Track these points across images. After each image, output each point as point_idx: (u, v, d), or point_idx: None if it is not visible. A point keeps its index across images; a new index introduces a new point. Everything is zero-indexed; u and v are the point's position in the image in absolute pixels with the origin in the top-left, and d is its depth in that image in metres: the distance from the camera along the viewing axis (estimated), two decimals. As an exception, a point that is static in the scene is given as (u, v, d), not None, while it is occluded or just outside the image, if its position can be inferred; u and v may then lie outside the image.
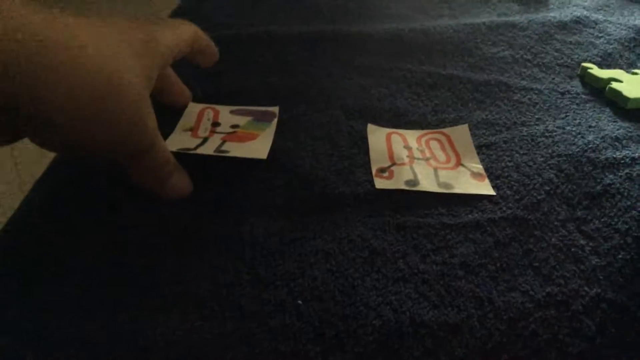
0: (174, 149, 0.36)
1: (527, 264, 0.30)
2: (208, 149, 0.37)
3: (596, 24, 0.60)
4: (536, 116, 0.43)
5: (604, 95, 0.46)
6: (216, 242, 0.31)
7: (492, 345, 0.26)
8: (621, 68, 0.50)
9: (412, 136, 0.40)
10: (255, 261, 0.30)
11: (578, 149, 0.39)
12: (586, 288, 0.29)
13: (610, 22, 0.60)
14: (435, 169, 0.37)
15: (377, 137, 0.40)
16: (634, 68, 0.51)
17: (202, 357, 0.25)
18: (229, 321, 0.26)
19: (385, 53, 0.52)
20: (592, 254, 0.31)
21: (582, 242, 0.31)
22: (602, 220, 0.33)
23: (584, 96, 0.46)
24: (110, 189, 0.34)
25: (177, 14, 0.62)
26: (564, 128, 0.41)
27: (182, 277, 0.29)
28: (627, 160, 0.38)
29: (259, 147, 0.37)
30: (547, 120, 0.43)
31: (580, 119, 0.43)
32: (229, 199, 0.34)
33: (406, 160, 0.37)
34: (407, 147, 0.39)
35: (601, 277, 0.29)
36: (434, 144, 0.40)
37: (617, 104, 0.45)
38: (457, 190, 0.35)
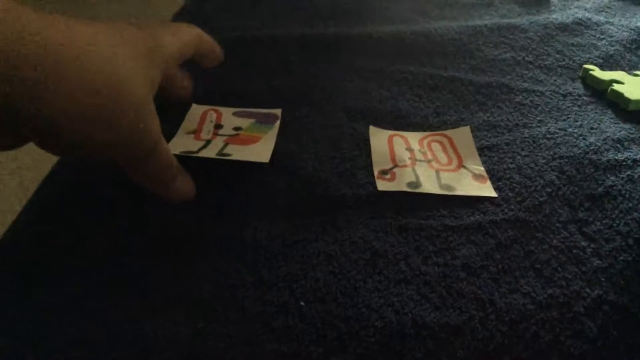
0: (176, 152, 0.36)
1: (529, 266, 0.30)
2: (210, 152, 0.37)
3: (598, 25, 0.60)
4: (538, 118, 0.43)
5: (606, 97, 0.46)
6: (219, 245, 0.31)
7: (493, 347, 0.26)
8: (623, 70, 0.50)
9: (414, 138, 0.41)
10: (258, 263, 0.30)
11: (580, 151, 0.39)
12: (588, 290, 0.29)
13: (612, 24, 0.60)
14: (437, 171, 0.37)
15: (379, 139, 0.40)
16: (636, 70, 0.51)
17: (204, 359, 0.25)
18: (231, 323, 0.26)
19: (386, 55, 0.52)
20: (593, 255, 0.31)
21: (584, 243, 0.32)
22: (604, 222, 0.33)
23: (585, 98, 0.46)
24: (112, 191, 0.34)
25: (179, 16, 0.62)
26: (565, 130, 0.42)
27: (184, 279, 0.29)
28: (629, 162, 0.38)
29: (261, 150, 0.38)
30: (548, 122, 0.43)
31: (581, 120, 0.43)
32: (232, 202, 0.34)
33: (408, 162, 0.38)
34: (409, 149, 0.39)
35: (603, 279, 0.29)
36: (436, 146, 0.40)
37: (619, 105, 0.45)
38: (459, 192, 0.35)
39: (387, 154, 0.38)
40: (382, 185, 0.35)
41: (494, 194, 0.35)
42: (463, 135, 0.41)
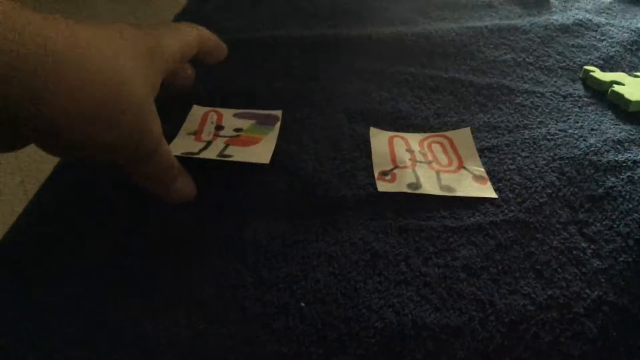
0: (177, 153, 0.36)
1: (529, 267, 0.30)
2: (211, 153, 0.37)
3: (598, 27, 0.60)
4: (538, 119, 0.43)
5: (606, 98, 0.46)
6: (219, 245, 0.31)
7: (493, 348, 0.26)
8: (623, 71, 0.51)
9: (414, 139, 0.41)
10: (258, 264, 0.30)
11: (580, 152, 0.39)
12: (588, 291, 0.29)
13: (613, 25, 0.60)
14: (438, 172, 0.37)
15: (380, 140, 0.40)
16: (636, 71, 0.51)
17: (204, 359, 0.25)
18: (231, 323, 0.26)
19: (387, 56, 0.52)
20: (593, 256, 0.31)
21: (584, 244, 0.32)
22: (604, 223, 0.33)
23: (586, 99, 0.46)
24: (113, 192, 0.34)
25: (180, 17, 0.63)
26: (566, 131, 0.42)
27: (185, 279, 0.29)
28: (629, 163, 0.38)
29: (261, 151, 0.38)
30: (549, 123, 0.43)
31: (582, 121, 0.43)
32: (232, 202, 0.34)
33: (408, 163, 0.38)
34: (410, 150, 0.39)
35: (603, 280, 0.29)
36: (436, 147, 0.40)
37: (619, 106, 0.45)
38: (459, 193, 0.35)
39: (387, 155, 0.38)
40: (383, 186, 0.35)
41: (494, 195, 0.35)
42: (463, 136, 0.41)
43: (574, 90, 0.48)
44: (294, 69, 0.50)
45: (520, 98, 0.46)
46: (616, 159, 0.38)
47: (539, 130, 0.42)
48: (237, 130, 0.40)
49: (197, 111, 0.43)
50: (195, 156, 0.37)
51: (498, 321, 0.27)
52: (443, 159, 0.39)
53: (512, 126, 0.42)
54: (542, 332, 0.26)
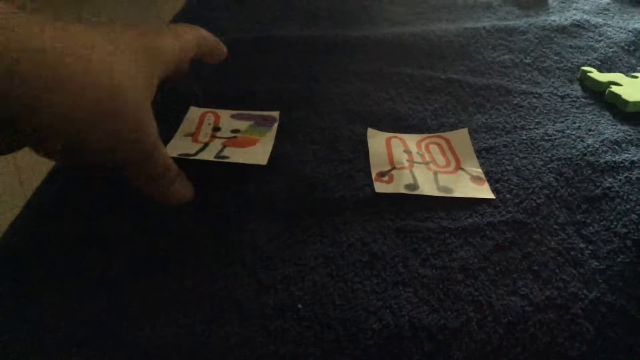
0: (174, 155, 0.36)
1: (527, 268, 0.30)
2: (208, 155, 0.37)
3: (596, 27, 0.60)
4: (536, 120, 0.43)
5: (604, 99, 0.46)
6: (217, 247, 0.31)
7: (491, 349, 0.26)
8: (621, 71, 0.51)
9: (412, 140, 0.41)
10: (256, 265, 0.30)
11: (578, 153, 0.39)
12: (585, 291, 0.29)
13: (610, 26, 0.60)
14: (435, 173, 0.37)
15: (377, 141, 0.40)
16: (634, 72, 0.51)
17: (202, 361, 0.25)
18: (229, 325, 0.26)
19: (385, 57, 0.52)
20: (591, 257, 0.31)
21: (582, 245, 0.32)
22: (602, 223, 0.33)
23: (583, 100, 0.47)
24: (111, 192, 0.34)
25: (179, 18, 0.63)
26: (563, 132, 0.42)
27: (182, 281, 0.29)
28: (627, 163, 0.38)
29: (259, 152, 0.38)
30: (546, 124, 0.43)
31: (579, 122, 0.43)
32: (230, 204, 0.34)
33: (406, 164, 0.38)
34: (407, 151, 0.39)
35: (600, 281, 0.29)
36: (434, 148, 0.40)
37: (617, 107, 0.45)
38: (457, 194, 0.35)
39: (385, 156, 0.38)
40: (380, 187, 0.35)
41: (491, 196, 0.35)
42: (461, 137, 0.41)
43: (571, 91, 0.48)
44: (291, 69, 0.50)
45: (518, 99, 0.46)
46: (614, 159, 0.38)
47: (536, 131, 0.42)
48: (235, 131, 0.40)
49: (194, 112, 0.43)
50: (193, 158, 0.37)
51: (496, 322, 0.27)
52: (441, 159, 0.39)
53: (510, 127, 0.42)
54: (539, 333, 0.26)
